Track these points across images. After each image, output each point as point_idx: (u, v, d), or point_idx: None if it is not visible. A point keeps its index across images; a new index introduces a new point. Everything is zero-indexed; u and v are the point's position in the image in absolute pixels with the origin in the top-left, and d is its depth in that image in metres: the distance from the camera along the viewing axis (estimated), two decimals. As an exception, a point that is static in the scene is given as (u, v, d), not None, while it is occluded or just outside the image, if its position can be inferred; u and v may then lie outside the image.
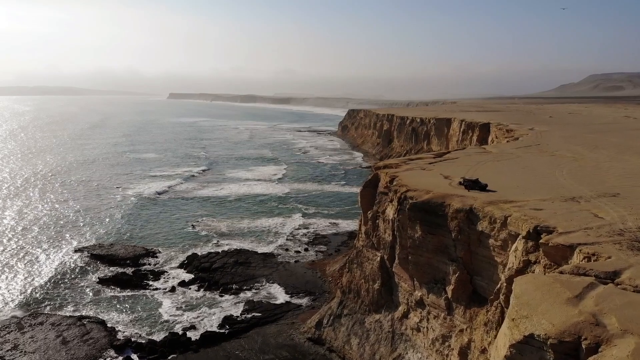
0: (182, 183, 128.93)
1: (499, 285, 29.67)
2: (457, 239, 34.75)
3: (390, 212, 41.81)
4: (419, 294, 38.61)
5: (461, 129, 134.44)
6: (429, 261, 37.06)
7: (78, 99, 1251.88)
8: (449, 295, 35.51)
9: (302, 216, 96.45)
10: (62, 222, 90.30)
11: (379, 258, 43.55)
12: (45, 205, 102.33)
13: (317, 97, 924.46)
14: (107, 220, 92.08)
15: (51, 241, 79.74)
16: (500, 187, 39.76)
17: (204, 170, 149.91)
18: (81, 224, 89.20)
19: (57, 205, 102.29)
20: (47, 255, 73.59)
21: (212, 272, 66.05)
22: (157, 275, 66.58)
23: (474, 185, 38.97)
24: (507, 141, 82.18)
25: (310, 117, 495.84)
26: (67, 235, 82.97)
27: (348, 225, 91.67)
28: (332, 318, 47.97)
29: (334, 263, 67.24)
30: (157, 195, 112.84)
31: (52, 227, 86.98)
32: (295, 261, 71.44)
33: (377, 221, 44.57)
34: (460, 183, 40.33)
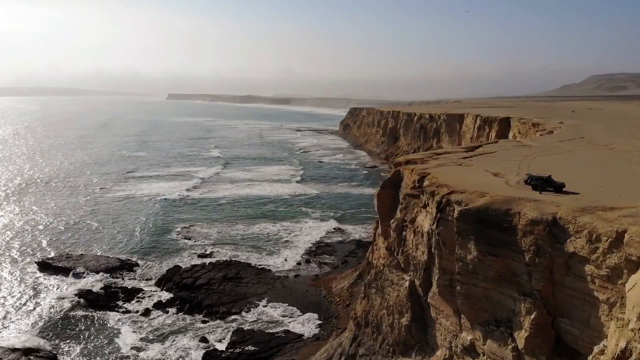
0: (176, 184, 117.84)
1: (624, 345, 18.63)
2: (534, 263, 23.73)
3: (424, 222, 30.73)
4: (469, 338, 27.50)
5: (476, 125, 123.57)
6: (487, 293, 25.96)
7: (79, 99, 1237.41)
8: (520, 345, 24.40)
9: (303, 221, 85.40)
10: (31, 228, 79.23)
11: (407, 283, 32.44)
12: (20, 209, 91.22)
13: (317, 98, 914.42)
14: (84, 225, 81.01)
15: (12, 250, 68.70)
16: (579, 187, 28.84)
17: (201, 171, 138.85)
18: (52, 231, 78.11)
19: (34, 208, 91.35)
20: (1, 268, 62.47)
21: (195, 290, 54.90)
22: (130, 293, 55.47)
23: (546, 184, 27.99)
24: (540, 134, 71.24)
25: (310, 117, 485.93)
26: (32, 243, 71.94)
27: (355, 230, 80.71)
28: (343, 358, 36.86)
29: (342, 279, 56.12)
30: (149, 198, 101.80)
31: (18, 234, 75.94)
32: (295, 276, 60.31)
33: (404, 233, 33.48)
34: (525, 182, 29.33)
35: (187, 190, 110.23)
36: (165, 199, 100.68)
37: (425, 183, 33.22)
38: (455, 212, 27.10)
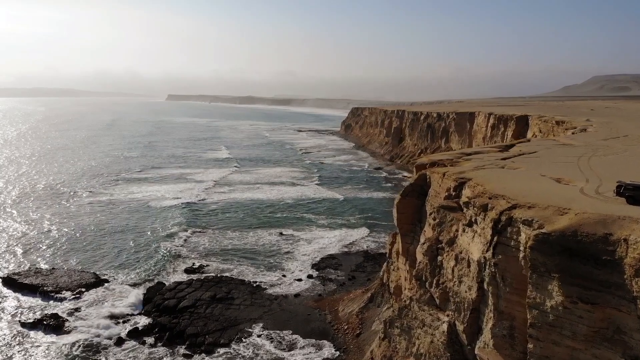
0: (176, 187, 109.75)
1: None
2: (655, 318, 15.74)
3: (471, 246, 22.71)
4: (542, 413, 19.46)
5: (489, 124, 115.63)
6: (575, 355, 17.89)
7: (80, 100, 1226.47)
8: None
9: (304, 228, 77.34)
10: (6, 237, 71.12)
11: (445, 326, 24.37)
12: (4, 215, 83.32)
13: (318, 99, 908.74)
14: (63, 234, 72.80)
15: (-26, 264, 60.71)
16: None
17: (198, 173, 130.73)
18: (28, 240, 69.89)
19: (25, 214, 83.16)
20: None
21: (178, 315, 46.76)
22: (102, 318, 47.29)
23: (650, 196, 20.01)
24: (573, 133, 63.25)
25: (311, 118, 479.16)
26: (2, 255, 63.84)
27: (362, 239, 72.69)
28: (357, 416, 28.83)
29: (350, 301, 47.98)
30: (143, 203, 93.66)
31: (-16, 244, 67.93)
32: (295, 295, 52.16)
33: (440, 259, 25.45)
34: (617, 192, 21.33)
35: (187, 193, 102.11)
36: (165, 204, 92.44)
37: (467, 192, 25.22)
38: (525, 236, 19.06)
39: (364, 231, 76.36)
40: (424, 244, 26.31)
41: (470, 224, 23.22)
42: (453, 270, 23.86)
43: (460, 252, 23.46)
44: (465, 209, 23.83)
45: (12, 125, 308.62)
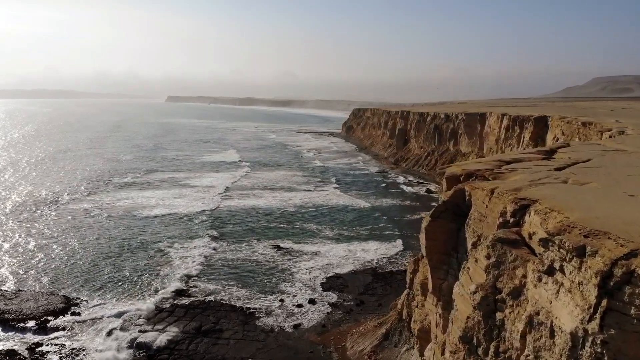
0: (177, 192, 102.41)
1: None
2: None
3: (558, 306, 15.29)
4: None
5: (502, 125, 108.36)
6: None
7: (81, 101, 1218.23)
8: None
9: (306, 240, 69.96)
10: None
11: (510, 415, 16.91)
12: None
13: (318, 100, 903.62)
14: (44, 249, 65.45)
15: None
16: None
17: (194, 177, 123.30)
18: (7, 257, 62.84)
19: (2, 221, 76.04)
20: None
21: (155, 353, 39.37)
22: (67, 355, 40.00)
23: None
24: (610, 136, 55.83)
25: (312, 119, 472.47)
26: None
27: (368, 254, 65.29)
28: None
29: (360, 336, 40.51)
30: (134, 211, 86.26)
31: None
32: (295, 326, 44.72)
33: (500, 316, 18.04)
34: None
35: (191, 199, 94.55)
36: (163, 212, 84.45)
37: (535, 220, 17.82)
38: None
39: (371, 244, 69.04)
40: (474, 293, 18.87)
41: (550, 272, 15.84)
42: (524, 337, 16.48)
43: (537, 313, 16.06)
44: (542, 249, 16.43)
45: (15, 127, 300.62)
